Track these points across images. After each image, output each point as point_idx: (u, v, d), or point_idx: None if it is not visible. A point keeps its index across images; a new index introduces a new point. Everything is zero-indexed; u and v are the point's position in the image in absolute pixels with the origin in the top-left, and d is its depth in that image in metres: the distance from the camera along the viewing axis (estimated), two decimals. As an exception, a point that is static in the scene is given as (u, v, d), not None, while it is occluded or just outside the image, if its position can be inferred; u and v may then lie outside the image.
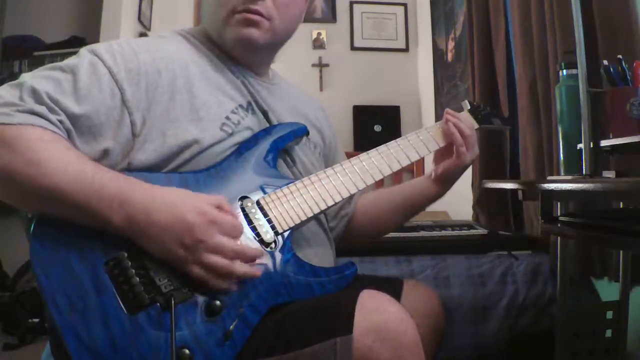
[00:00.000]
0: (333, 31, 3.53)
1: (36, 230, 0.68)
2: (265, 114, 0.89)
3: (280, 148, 0.86)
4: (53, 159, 0.66)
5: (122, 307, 0.65)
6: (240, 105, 0.86)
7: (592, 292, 1.57)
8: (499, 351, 1.50)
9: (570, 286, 1.36)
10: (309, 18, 3.48)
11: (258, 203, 0.78)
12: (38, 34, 3.12)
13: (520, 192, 1.20)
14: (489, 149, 2.17)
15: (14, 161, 0.65)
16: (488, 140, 2.17)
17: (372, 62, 3.51)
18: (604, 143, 1.08)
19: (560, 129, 1.22)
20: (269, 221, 0.77)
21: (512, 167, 2.13)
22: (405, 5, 3.58)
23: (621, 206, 1.31)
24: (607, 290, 1.53)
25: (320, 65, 3.47)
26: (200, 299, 0.68)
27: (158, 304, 0.66)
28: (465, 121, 0.99)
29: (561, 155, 1.22)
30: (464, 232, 1.82)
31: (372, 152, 0.91)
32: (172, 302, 0.65)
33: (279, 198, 0.80)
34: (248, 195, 0.78)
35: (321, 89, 3.46)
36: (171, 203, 0.68)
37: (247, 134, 0.84)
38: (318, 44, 3.50)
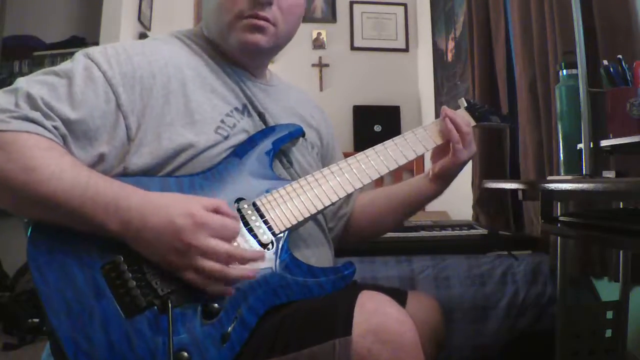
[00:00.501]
0: (333, 31, 3.53)
1: (33, 235, 0.68)
2: (261, 116, 0.89)
3: (276, 150, 0.86)
4: (48, 166, 0.66)
5: (119, 310, 0.65)
6: (236, 108, 0.86)
7: (592, 292, 1.57)
8: (499, 351, 1.50)
9: (570, 286, 1.36)
10: (309, 18, 3.48)
11: (254, 204, 0.78)
12: (38, 34, 3.12)
13: (520, 192, 1.19)
14: (489, 148, 2.17)
15: (9, 168, 0.65)
16: (488, 140, 2.17)
17: (372, 62, 3.51)
18: (604, 143, 1.08)
19: (560, 129, 1.22)
20: (266, 222, 0.77)
21: (512, 167, 2.12)
22: (405, 5, 3.58)
23: (621, 206, 1.31)
24: (607, 290, 1.53)
25: (320, 65, 3.47)
26: (198, 301, 0.68)
27: (155, 307, 0.66)
28: (462, 118, 0.99)
29: (561, 155, 1.22)
30: (464, 232, 1.82)
31: (369, 152, 0.91)
32: (169, 305, 0.65)
33: (275, 199, 0.79)
34: (244, 197, 0.78)
35: (321, 89, 3.46)
36: (163, 206, 0.67)
37: (243, 137, 0.83)
38: (318, 44, 3.50)
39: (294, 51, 3.15)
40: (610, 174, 1.09)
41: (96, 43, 2.78)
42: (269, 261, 0.75)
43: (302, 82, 3.28)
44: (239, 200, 0.78)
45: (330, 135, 1.08)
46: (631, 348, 1.38)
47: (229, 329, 0.67)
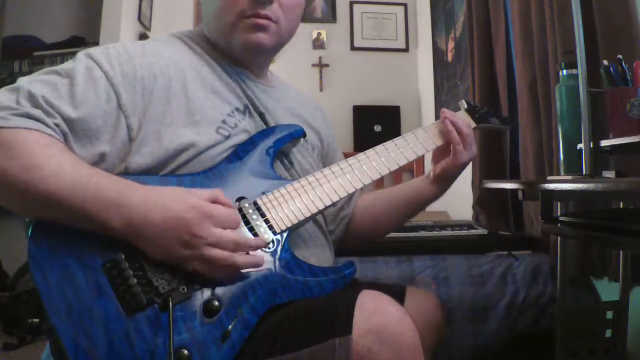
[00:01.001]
0: (333, 31, 3.53)
1: (33, 234, 0.68)
2: (262, 116, 0.89)
3: (277, 150, 0.86)
4: (49, 163, 0.66)
5: (120, 308, 0.65)
6: (237, 109, 0.86)
7: (592, 292, 1.57)
8: (499, 351, 1.50)
9: (570, 286, 1.36)
10: (309, 18, 3.49)
11: (255, 204, 0.78)
12: (38, 34, 3.12)
13: (520, 192, 1.19)
14: (489, 148, 2.17)
15: (9, 165, 0.65)
16: (488, 140, 2.17)
17: (372, 62, 3.51)
18: (604, 143, 1.08)
19: (560, 129, 1.22)
20: (267, 221, 0.77)
21: (512, 167, 2.13)
22: (405, 5, 3.58)
23: (621, 206, 1.31)
24: (607, 290, 1.53)
25: (320, 65, 3.47)
26: (199, 299, 0.68)
27: (156, 305, 0.66)
28: (462, 120, 0.99)
29: (561, 155, 1.21)
30: (464, 232, 1.83)
31: (370, 152, 0.91)
32: (170, 302, 0.65)
33: (276, 198, 0.80)
34: (245, 196, 0.78)
35: (321, 89, 3.46)
36: (166, 202, 0.68)
37: (244, 137, 0.84)
38: (318, 44, 3.50)
39: (294, 51, 3.15)
40: (610, 174, 1.09)
41: (96, 43, 2.78)
42: (270, 260, 0.75)
43: (302, 82, 3.28)
44: (240, 199, 0.78)
45: (330, 136, 1.08)
46: (631, 348, 1.38)
47: (230, 327, 0.67)
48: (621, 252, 1.31)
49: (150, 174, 0.76)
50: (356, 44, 3.53)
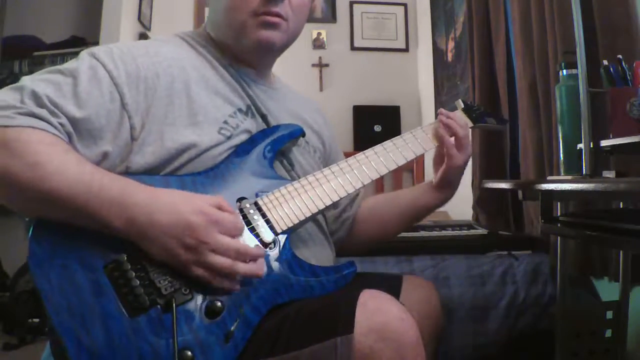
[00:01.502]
0: (333, 31, 3.53)
1: (34, 234, 0.67)
2: (264, 117, 0.89)
3: (277, 149, 0.86)
4: (52, 161, 0.66)
5: (123, 309, 0.65)
6: (240, 109, 0.86)
7: (592, 292, 1.57)
8: (499, 351, 1.50)
9: (570, 286, 1.36)
10: (309, 18, 3.47)
11: (256, 204, 0.78)
12: (38, 34, 3.12)
13: (520, 192, 1.20)
14: (488, 148, 2.17)
15: (13, 163, 0.65)
16: (488, 140, 2.17)
17: (372, 62, 3.51)
18: (604, 143, 1.08)
19: (560, 129, 1.22)
20: (268, 222, 0.77)
21: (512, 167, 2.13)
22: (405, 5, 3.58)
23: (621, 206, 1.31)
24: (607, 290, 1.53)
25: (320, 65, 3.47)
26: (201, 300, 0.68)
27: (159, 306, 0.66)
28: (459, 120, 0.99)
29: (561, 155, 1.22)
30: (464, 232, 1.83)
31: (369, 152, 0.91)
32: (173, 303, 0.65)
33: (277, 199, 0.80)
34: (246, 197, 0.79)
35: (321, 89, 3.46)
36: (172, 204, 0.68)
37: (245, 137, 0.84)
38: (318, 44, 3.50)
39: (294, 51, 3.12)
40: (610, 174, 1.09)
41: (96, 43, 2.77)
42: (272, 260, 0.75)
43: (302, 82, 3.28)
44: (240, 199, 0.78)
45: (331, 138, 1.08)
46: (631, 348, 1.38)
47: (232, 327, 0.68)
48: (621, 252, 1.31)
49: (151, 173, 0.76)
50: (356, 44, 3.53)
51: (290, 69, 2.88)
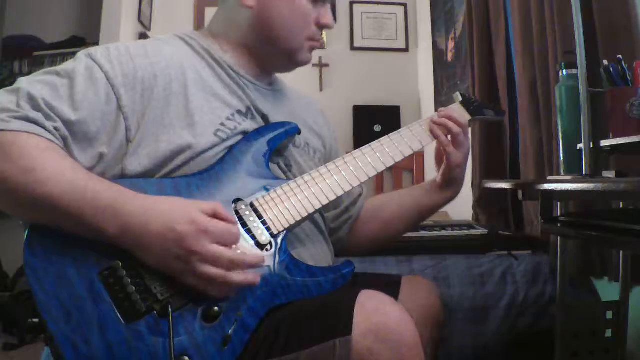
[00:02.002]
0: (333, 31, 3.51)
1: (29, 241, 0.67)
2: (264, 118, 0.89)
3: (273, 149, 0.85)
4: (47, 167, 0.66)
5: (119, 316, 0.64)
6: (239, 111, 0.85)
7: (592, 292, 1.57)
8: (499, 351, 1.50)
9: (570, 286, 1.36)
10: (309, 18, 3.48)
11: (252, 205, 0.78)
12: (38, 34, 3.12)
13: (520, 192, 1.19)
14: (489, 148, 2.17)
15: (8, 167, 0.65)
16: (488, 140, 2.17)
17: (372, 62, 3.51)
18: (604, 143, 1.08)
19: (560, 129, 1.22)
20: (264, 223, 0.77)
21: (512, 167, 2.12)
22: (405, 5, 3.57)
23: (621, 206, 1.31)
24: (607, 290, 1.52)
25: (320, 65, 3.46)
26: (198, 305, 0.68)
27: (155, 312, 0.65)
28: (457, 113, 0.99)
29: (561, 155, 1.21)
30: (464, 232, 1.82)
31: (365, 148, 0.91)
32: (169, 309, 0.65)
33: (273, 199, 0.79)
34: (242, 198, 0.78)
35: (321, 89, 3.45)
36: (163, 212, 0.67)
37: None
38: (318, 44, 3.50)
39: (294, 51, 3.14)
40: (610, 174, 1.09)
41: (96, 43, 2.77)
42: (268, 262, 0.74)
43: (302, 82, 3.26)
44: (236, 201, 0.78)
45: (332, 139, 1.08)
46: (631, 348, 1.38)
47: (230, 331, 0.67)
48: (621, 252, 1.31)
49: (146, 176, 0.76)
50: (356, 44, 3.53)
51: (290, 69, 2.88)
